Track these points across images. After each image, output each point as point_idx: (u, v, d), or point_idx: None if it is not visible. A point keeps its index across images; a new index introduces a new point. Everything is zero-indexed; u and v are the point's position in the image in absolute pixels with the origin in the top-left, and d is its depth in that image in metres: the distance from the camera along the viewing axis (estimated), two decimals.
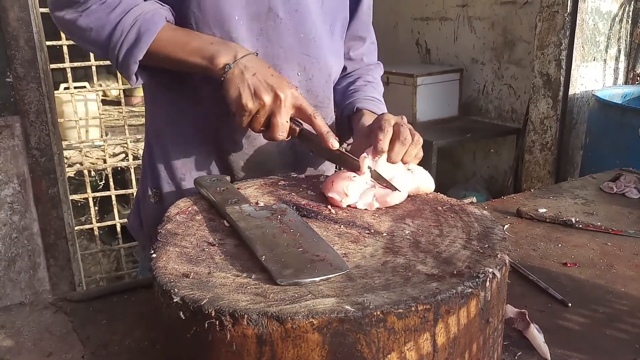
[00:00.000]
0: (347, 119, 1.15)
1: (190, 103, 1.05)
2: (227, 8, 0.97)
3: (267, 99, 0.89)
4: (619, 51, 3.12)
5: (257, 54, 0.95)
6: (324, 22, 1.07)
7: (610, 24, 3.02)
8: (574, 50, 2.88)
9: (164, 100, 1.08)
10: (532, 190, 1.43)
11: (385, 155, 0.89)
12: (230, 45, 0.94)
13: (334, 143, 0.91)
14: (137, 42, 0.92)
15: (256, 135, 1.01)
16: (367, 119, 1.05)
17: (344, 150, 0.93)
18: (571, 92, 2.95)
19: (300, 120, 0.95)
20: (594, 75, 3.05)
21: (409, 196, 0.87)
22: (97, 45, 0.95)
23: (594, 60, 3.02)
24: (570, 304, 0.87)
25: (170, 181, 1.09)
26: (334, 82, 1.17)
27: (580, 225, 1.15)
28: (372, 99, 1.16)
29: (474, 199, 1.14)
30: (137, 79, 0.97)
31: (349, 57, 1.21)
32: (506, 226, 1.16)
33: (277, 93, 0.89)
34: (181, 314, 0.58)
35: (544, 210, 1.23)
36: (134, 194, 2.91)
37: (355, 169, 0.88)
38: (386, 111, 1.05)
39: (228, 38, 0.97)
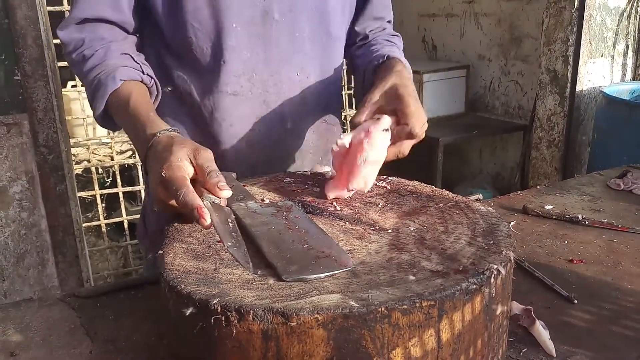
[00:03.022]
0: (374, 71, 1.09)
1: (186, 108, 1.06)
2: (224, 17, 0.98)
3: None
4: (627, 47, 3.09)
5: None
6: (319, 22, 1.06)
7: (618, 19, 3.00)
8: (581, 46, 2.86)
9: None
10: (538, 187, 1.42)
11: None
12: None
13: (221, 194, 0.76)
14: (95, 99, 0.95)
15: (245, 132, 1.05)
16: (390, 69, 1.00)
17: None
18: (578, 88, 2.93)
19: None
20: (602, 72, 3.03)
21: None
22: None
23: (602, 56, 3.00)
24: (576, 301, 0.87)
25: None
26: (335, 76, 1.16)
27: (587, 222, 1.15)
28: (393, 48, 1.15)
29: (480, 196, 1.14)
30: (101, 119, 0.99)
31: (365, 36, 1.20)
32: (512, 223, 1.16)
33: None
34: (187, 309, 0.58)
35: (551, 207, 1.23)
36: (141, 191, 2.93)
37: None
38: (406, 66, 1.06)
39: (225, 46, 0.99)
